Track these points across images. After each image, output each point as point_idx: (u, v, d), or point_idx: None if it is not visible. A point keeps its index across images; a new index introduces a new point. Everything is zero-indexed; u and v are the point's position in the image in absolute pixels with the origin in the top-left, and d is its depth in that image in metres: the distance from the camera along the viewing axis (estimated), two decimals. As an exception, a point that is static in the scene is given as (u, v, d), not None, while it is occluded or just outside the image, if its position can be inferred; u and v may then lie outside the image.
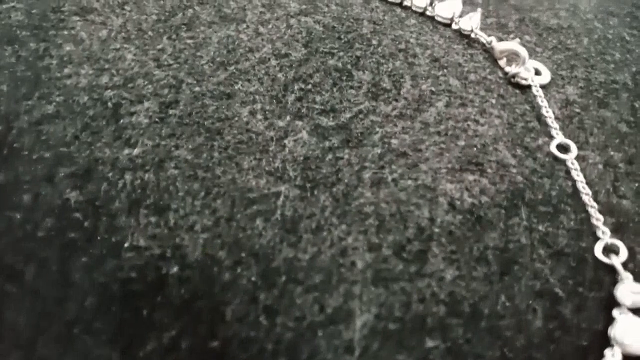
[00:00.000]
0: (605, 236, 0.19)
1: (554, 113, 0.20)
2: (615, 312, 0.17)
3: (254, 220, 0.18)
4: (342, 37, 0.20)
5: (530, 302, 0.18)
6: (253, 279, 0.18)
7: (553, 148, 0.20)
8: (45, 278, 0.18)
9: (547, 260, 0.19)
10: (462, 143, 0.18)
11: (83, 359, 0.18)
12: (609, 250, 0.19)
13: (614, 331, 0.17)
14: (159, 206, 0.18)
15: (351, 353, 0.17)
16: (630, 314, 0.17)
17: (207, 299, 0.18)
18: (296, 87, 0.19)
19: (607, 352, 0.17)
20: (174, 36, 0.19)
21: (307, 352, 0.17)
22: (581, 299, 0.18)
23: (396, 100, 0.18)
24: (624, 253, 0.19)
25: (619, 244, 0.19)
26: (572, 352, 0.18)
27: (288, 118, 0.18)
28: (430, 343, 0.17)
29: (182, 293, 0.18)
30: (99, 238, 0.18)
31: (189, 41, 0.19)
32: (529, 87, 0.21)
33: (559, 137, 0.20)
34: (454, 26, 0.23)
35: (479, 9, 0.22)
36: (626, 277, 0.18)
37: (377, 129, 0.18)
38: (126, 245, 0.18)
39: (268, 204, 0.18)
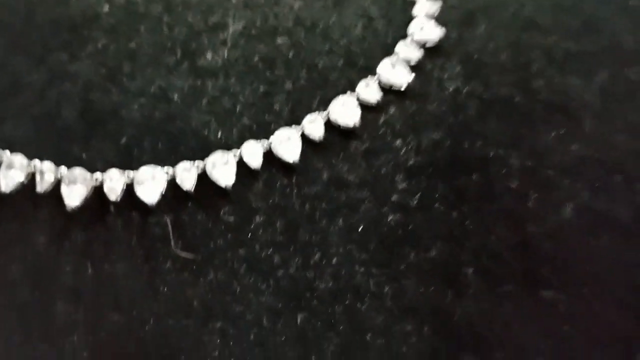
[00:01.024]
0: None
1: None
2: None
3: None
4: None
5: (355, 20, 0.26)
6: (159, 10, 0.26)
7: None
8: (16, 17, 0.26)
9: (367, -2, 0.27)
10: None
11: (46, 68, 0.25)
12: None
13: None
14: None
15: (225, 45, 0.25)
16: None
17: (127, 31, 0.26)
18: None
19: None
20: None
21: (196, 46, 0.25)
22: (391, 18, 0.26)
23: None
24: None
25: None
26: (379, 48, 0.25)
27: None
28: (280, 40, 0.25)
29: (111, 24, 0.26)
30: (52, -6, 0.26)
31: None
32: None
33: None
34: None
35: None
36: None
37: None
38: (71, -6, 0.26)
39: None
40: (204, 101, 0.24)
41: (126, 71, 0.25)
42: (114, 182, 0.22)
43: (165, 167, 0.22)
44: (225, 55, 0.25)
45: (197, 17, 0.26)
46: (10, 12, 0.26)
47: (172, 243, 0.21)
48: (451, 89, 0.24)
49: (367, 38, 0.26)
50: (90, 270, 0.21)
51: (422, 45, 0.26)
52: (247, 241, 0.22)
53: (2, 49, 0.25)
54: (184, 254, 0.21)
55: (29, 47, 0.25)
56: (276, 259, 0.21)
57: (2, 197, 0.22)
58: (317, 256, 0.21)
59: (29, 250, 0.22)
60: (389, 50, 0.26)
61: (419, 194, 0.22)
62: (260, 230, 0.22)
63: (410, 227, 0.21)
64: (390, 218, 0.22)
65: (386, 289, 0.21)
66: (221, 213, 0.22)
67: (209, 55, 0.25)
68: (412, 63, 0.25)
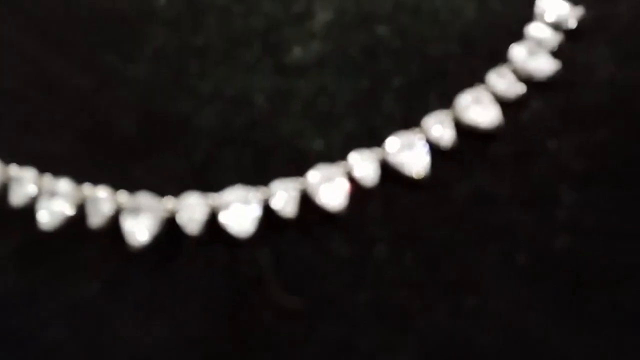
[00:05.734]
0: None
1: None
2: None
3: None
4: None
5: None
6: (227, -2, 0.21)
7: None
8: (54, 11, 0.21)
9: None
10: None
11: None
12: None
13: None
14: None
15: (314, 37, 0.20)
16: None
17: (190, 24, 0.21)
18: None
19: None
20: None
21: (277, 39, 0.20)
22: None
23: None
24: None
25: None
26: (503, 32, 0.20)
27: None
28: (380, 29, 0.20)
29: (169, 17, 0.21)
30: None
31: None
32: None
33: None
34: None
35: None
36: None
37: None
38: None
39: None
40: (295, 104, 0.19)
41: (194, 71, 0.20)
42: (192, 209, 0.17)
43: (256, 188, 0.17)
44: (317, 48, 0.20)
45: (274, 5, 0.21)
46: (48, 5, 0.21)
47: (272, 288, 0.16)
48: (605, 77, 0.19)
49: (483, 20, 0.21)
50: (157, 329, 0.16)
51: (557, 28, 0.21)
52: (371, 282, 0.16)
53: (39, 49, 0.20)
54: (288, 302, 0.16)
55: (72, 47, 0.21)
56: (414, 304, 0.16)
57: (44, 235, 0.17)
58: (469, 299, 0.16)
59: (76, 302, 0.17)
60: (515, 34, 0.21)
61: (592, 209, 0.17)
62: (387, 266, 0.17)
63: (589, 255, 0.16)
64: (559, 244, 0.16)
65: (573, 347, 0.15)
66: (331, 245, 0.17)
67: (295, 50, 0.20)
68: (550, 49, 0.20)
